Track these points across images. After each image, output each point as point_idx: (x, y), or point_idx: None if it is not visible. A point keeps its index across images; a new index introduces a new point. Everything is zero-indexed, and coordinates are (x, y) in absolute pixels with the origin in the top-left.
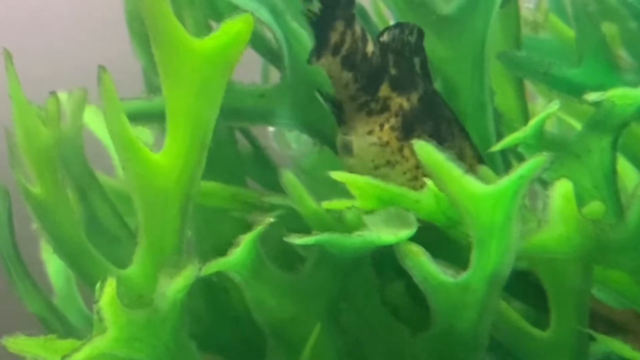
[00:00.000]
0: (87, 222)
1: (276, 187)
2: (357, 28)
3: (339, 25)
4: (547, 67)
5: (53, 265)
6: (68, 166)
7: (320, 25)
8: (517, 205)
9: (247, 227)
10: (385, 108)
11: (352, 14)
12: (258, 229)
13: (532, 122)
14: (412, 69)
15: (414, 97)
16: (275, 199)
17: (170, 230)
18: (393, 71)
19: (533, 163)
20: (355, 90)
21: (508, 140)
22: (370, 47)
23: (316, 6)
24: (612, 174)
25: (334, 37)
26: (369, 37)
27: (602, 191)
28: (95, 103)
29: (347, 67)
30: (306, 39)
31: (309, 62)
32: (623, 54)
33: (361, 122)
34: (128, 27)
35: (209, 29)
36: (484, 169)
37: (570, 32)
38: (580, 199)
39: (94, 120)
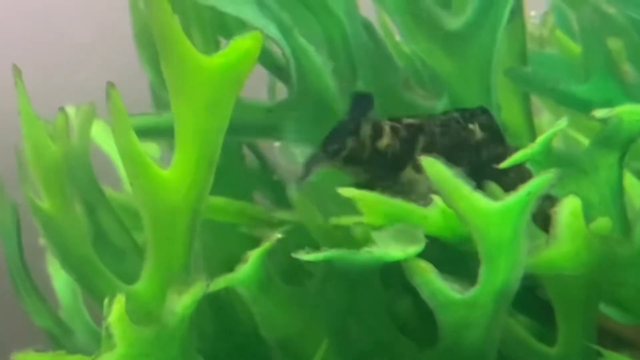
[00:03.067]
0: (94, 237)
1: (283, 202)
2: (366, 129)
3: (338, 136)
4: (554, 83)
5: (59, 279)
6: (76, 181)
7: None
8: (524, 221)
9: (255, 242)
10: (411, 190)
11: (357, 123)
12: (266, 245)
13: (541, 139)
14: (460, 145)
15: None
16: (283, 215)
17: (179, 246)
18: (420, 155)
19: (541, 180)
20: (368, 179)
21: (516, 157)
22: (384, 141)
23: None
24: (619, 190)
25: (332, 147)
26: (384, 131)
27: (609, 207)
28: (103, 118)
29: (351, 164)
30: (314, 54)
31: (296, 185)
32: (629, 69)
33: None
34: (136, 42)
35: (217, 45)
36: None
37: (576, 48)
38: (588, 215)
39: (101, 135)
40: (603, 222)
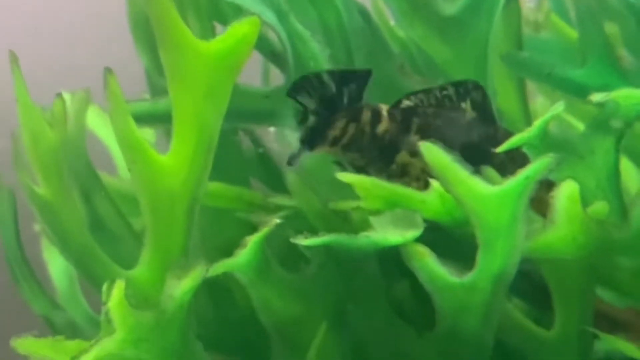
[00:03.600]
0: (90, 223)
1: (280, 187)
2: (366, 115)
3: (340, 123)
4: (551, 68)
5: (55, 265)
6: (71, 167)
7: (316, 124)
8: (522, 205)
9: (252, 227)
10: (404, 173)
11: (357, 109)
12: (264, 231)
13: (537, 123)
14: (451, 126)
15: None
16: (280, 200)
17: (177, 232)
18: (414, 138)
19: (539, 164)
20: (364, 163)
21: (513, 141)
22: (382, 127)
23: (312, 107)
24: (615, 175)
25: (333, 133)
26: (382, 117)
27: (605, 192)
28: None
29: (350, 150)
30: (310, 39)
31: (289, 162)
32: (625, 54)
33: None
34: (131, 28)
35: (213, 31)
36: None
37: (572, 32)
38: (584, 200)
39: (96, 121)
40: (600, 206)
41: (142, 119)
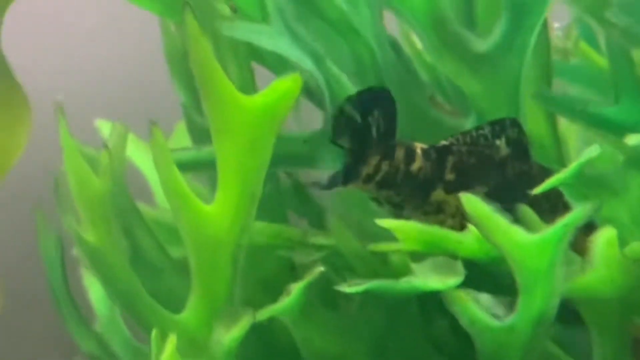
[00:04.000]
0: (132, 255)
1: (315, 219)
2: (400, 153)
3: (373, 160)
4: (583, 105)
5: (95, 292)
6: (114, 199)
7: (350, 161)
8: (561, 251)
9: (291, 263)
10: (440, 211)
11: (391, 146)
12: (308, 279)
13: (573, 166)
14: (485, 163)
15: (479, 194)
16: (319, 240)
17: (222, 279)
18: (450, 176)
19: (578, 212)
20: (400, 200)
21: (548, 183)
22: (417, 164)
23: (346, 143)
24: None
25: (366, 170)
26: (416, 155)
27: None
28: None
29: (385, 187)
30: (347, 82)
31: (328, 187)
32: None
33: (419, 220)
34: (168, 63)
35: (251, 73)
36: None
37: (601, 60)
38: (619, 235)
39: (134, 151)
40: (636, 247)
41: (187, 166)
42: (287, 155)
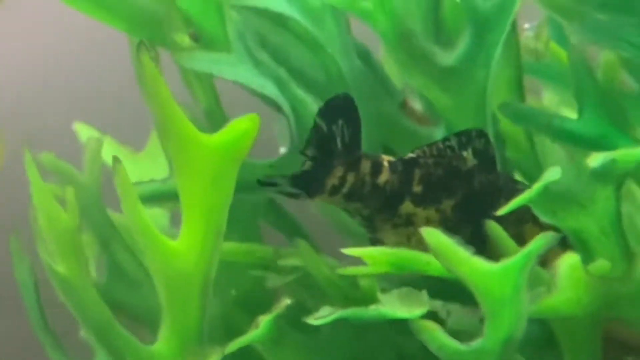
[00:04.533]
0: (109, 270)
1: (288, 230)
2: (366, 165)
3: (338, 171)
4: (548, 119)
5: None
6: (88, 216)
7: (314, 172)
8: (525, 278)
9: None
10: (409, 223)
11: (356, 158)
12: (276, 312)
13: (536, 186)
14: (452, 175)
15: (447, 205)
16: (290, 261)
17: (192, 311)
18: (417, 188)
19: (539, 241)
20: (368, 213)
21: (514, 202)
22: (383, 177)
23: (311, 152)
24: (617, 219)
25: (331, 182)
26: (383, 167)
27: (609, 236)
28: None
29: (352, 199)
30: (312, 104)
31: (295, 197)
32: (625, 79)
33: (388, 234)
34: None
35: (217, 99)
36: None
37: None
38: (588, 246)
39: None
40: (602, 264)
41: (152, 199)
42: (254, 182)
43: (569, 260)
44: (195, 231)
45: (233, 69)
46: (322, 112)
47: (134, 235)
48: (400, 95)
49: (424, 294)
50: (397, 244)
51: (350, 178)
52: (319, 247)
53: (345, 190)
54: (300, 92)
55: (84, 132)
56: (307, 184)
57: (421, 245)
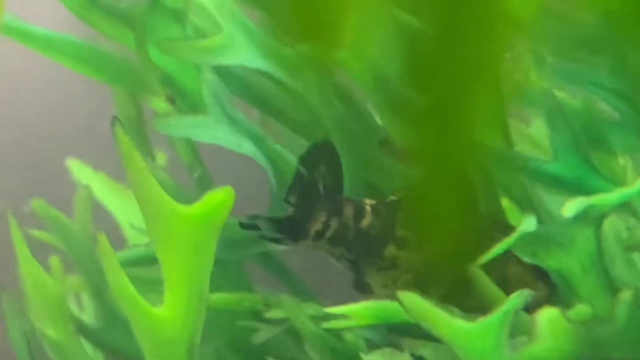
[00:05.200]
0: (104, 316)
1: (274, 269)
2: (349, 209)
3: (321, 216)
4: (524, 162)
5: None
6: (81, 263)
7: (298, 217)
8: (504, 333)
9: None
10: (394, 266)
11: (338, 202)
12: None
13: (514, 236)
14: None
15: None
16: (278, 313)
17: None
18: (401, 232)
19: (515, 299)
20: (354, 258)
21: (495, 250)
22: (366, 221)
23: (294, 199)
24: (598, 257)
25: (315, 227)
26: (366, 211)
27: (591, 274)
28: None
29: (337, 244)
30: (290, 157)
31: (278, 242)
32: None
33: (374, 277)
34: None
35: (197, 157)
36: (475, 271)
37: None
38: (570, 284)
39: (103, 192)
40: (582, 309)
41: (137, 263)
42: (236, 240)
43: (548, 314)
44: (178, 298)
45: (209, 132)
46: (303, 159)
47: (119, 302)
48: (382, 131)
49: (406, 354)
50: (384, 286)
51: (334, 223)
52: (308, 283)
53: (329, 234)
54: (277, 146)
55: (77, 169)
56: (290, 228)
57: (408, 287)
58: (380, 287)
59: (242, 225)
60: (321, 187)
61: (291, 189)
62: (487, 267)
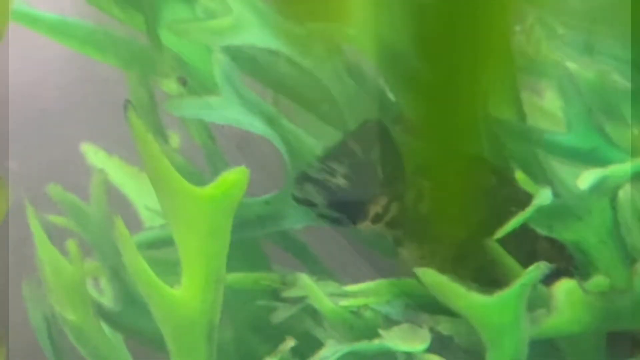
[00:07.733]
0: (122, 297)
1: (290, 247)
2: (410, 194)
3: (382, 200)
4: (539, 134)
5: None
6: (97, 246)
7: (356, 198)
8: (522, 306)
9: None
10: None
11: (400, 188)
12: (279, 356)
13: (529, 209)
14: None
15: None
16: (295, 292)
17: (199, 356)
18: None
19: (533, 271)
20: (402, 237)
21: (510, 224)
22: (425, 205)
23: (335, 164)
24: (615, 228)
25: (375, 210)
26: (424, 195)
27: (608, 245)
28: None
29: (395, 228)
30: (304, 136)
31: (337, 223)
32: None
33: (414, 249)
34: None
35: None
36: (494, 246)
37: None
38: (588, 255)
39: (118, 175)
40: (600, 280)
41: (153, 245)
42: (251, 219)
43: (565, 285)
44: (195, 279)
45: (221, 112)
46: (354, 136)
47: (139, 285)
48: (396, 107)
49: (425, 330)
50: (421, 257)
51: (394, 208)
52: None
53: (388, 218)
54: (290, 125)
55: (91, 153)
56: (348, 209)
57: (445, 262)
58: (418, 259)
59: (297, 200)
60: (380, 170)
61: (333, 153)
62: (517, 243)
